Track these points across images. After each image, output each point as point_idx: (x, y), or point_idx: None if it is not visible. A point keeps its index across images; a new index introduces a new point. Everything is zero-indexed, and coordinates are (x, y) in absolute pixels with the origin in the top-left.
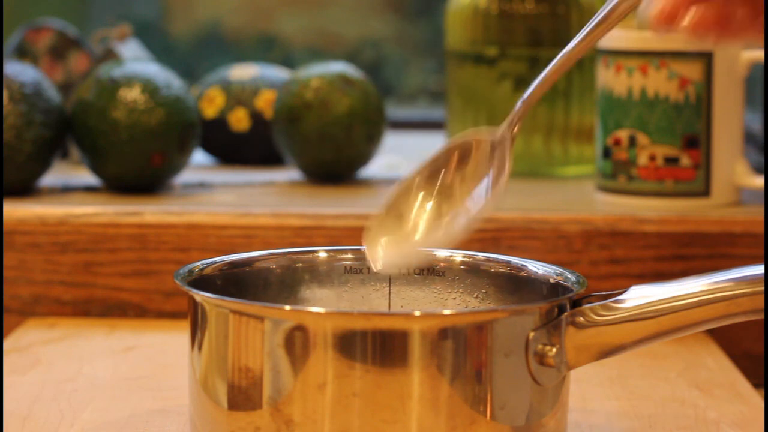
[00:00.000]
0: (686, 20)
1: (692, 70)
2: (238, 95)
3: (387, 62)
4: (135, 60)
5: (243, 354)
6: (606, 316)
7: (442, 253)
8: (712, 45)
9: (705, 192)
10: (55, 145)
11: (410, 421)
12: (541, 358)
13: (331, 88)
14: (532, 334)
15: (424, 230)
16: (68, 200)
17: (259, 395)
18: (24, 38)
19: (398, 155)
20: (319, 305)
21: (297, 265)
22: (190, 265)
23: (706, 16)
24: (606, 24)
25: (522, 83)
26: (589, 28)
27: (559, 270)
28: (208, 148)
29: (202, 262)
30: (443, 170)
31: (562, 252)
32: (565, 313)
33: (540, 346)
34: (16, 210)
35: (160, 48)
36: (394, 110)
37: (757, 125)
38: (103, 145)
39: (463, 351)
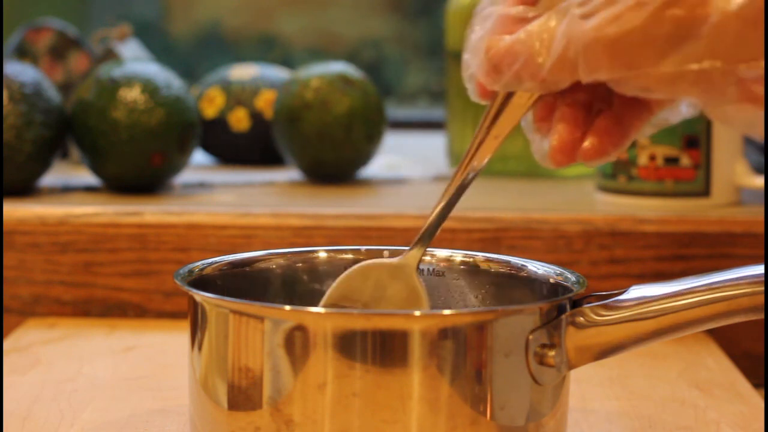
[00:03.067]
0: (586, 153)
1: None
2: (238, 95)
3: (387, 62)
4: (135, 60)
5: (243, 354)
6: (606, 316)
7: (442, 253)
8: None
9: (705, 192)
10: (55, 145)
11: (410, 421)
12: (541, 358)
13: (331, 88)
14: (532, 334)
15: None
16: (68, 200)
17: (259, 395)
18: (24, 38)
19: (398, 155)
20: (319, 305)
21: (297, 265)
22: (190, 265)
23: (603, 143)
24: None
25: None
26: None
27: (559, 270)
28: (208, 148)
29: (202, 262)
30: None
31: (562, 252)
32: (565, 313)
33: (540, 346)
34: (16, 210)
35: (160, 48)
36: (394, 110)
37: None
38: (103, 145)
39: (463, 351)
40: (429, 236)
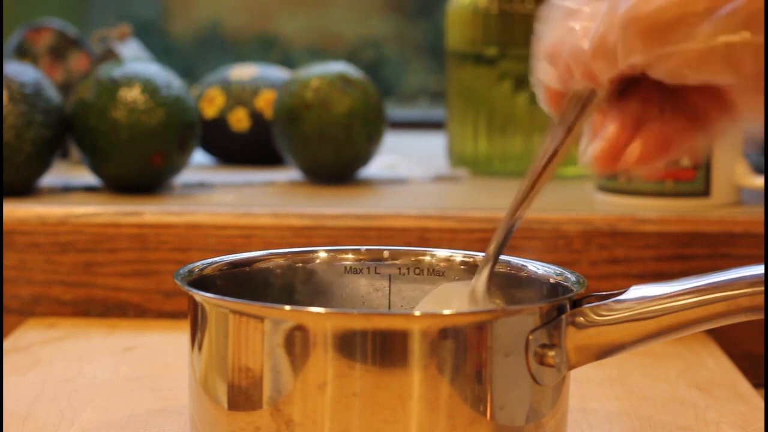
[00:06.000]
0: (630, 158)
1: None
2: (238, 95)
3: (387, 62)
4: (135, 60)
5: (243, 354)
6: (606, 316)
7: (442, 253)
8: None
9: (705, 192)
10: (55, 145)
11: (410, 421)
12: (541, 358)
13: (331, 88)
14: (532, 334)
15: None
16: (68, 200)
17: (259, 395)
18: (24, 38)
19: (398, 155)
20: (319, 305)
21: (297, 265)
22: (190, 265)
23: (648, 148)
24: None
25: (522, 83)
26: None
27: (559, 270)
28: (208, 148)
29: (202, 262)
30: None
31: (562, 252)
32: (565, 313)
33: (540, 346)
34: (16, 210)
35: (160, 48)
36: (394, 110)
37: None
38: (103, 145)
39: (463, 351)
40: (497, 252)
